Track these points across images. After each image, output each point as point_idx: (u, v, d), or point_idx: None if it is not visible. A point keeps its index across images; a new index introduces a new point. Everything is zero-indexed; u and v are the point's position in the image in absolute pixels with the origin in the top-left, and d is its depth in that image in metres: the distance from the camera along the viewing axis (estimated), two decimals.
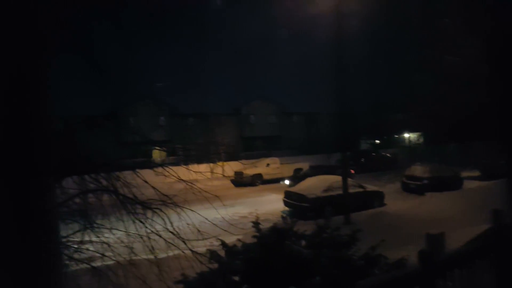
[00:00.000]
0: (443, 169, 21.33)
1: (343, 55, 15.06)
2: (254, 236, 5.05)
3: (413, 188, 20.74)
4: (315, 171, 23.68)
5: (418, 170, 21.43)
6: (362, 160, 32.62)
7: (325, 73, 30.62)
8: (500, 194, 7.42)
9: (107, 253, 4.70)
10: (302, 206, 15.87)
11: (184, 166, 5.39)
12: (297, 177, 23.58)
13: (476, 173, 24.81)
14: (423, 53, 10.10)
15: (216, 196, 5.44)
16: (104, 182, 4.74)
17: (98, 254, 4.67)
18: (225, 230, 5.40)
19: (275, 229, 4.89)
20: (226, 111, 42.62)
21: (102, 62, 5.08)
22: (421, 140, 39.38)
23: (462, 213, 13.40)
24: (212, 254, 5.03)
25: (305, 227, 5.82)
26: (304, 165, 29.34)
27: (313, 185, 17.15)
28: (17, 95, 2.31)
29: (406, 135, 44.21)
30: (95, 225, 4.52)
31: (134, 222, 4.54)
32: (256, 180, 26.89)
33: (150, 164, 5.76)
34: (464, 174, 22.44)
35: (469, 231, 6.16)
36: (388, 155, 35.21)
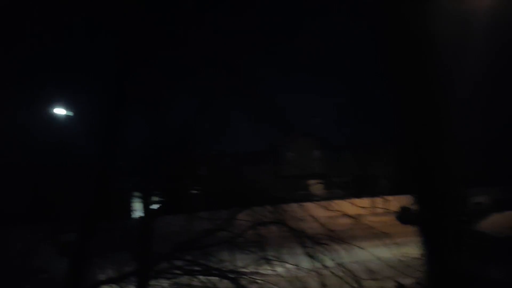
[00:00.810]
0: None
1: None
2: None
3: None
4: (501, 205, 20.46)
5: None
6: None
7: None
8: None
9: (280, 285, 4.82)
10: (488, 247, 13.83)
11: (348, 200, 5.31)
12: (476, 213, 20.83)
13: None
14: None
15: (384, 233, 5.18)
16: (272, 215, 4.96)
17: (271, 285, 4.82)
18: (399, 271, 5.04)
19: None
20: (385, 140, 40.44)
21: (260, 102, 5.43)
22: None
23: None
24: None
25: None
26: (483, 198, 25.79)
27: (502, 222, 14.81)
28: None
29: None
30: (268, 256, 4.72)
31: (304, 255, 4.60)
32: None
33: (313, 198, 5.85)
34: None
35: None
36: None
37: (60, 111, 6.80)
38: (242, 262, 4.70)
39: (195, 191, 6.97)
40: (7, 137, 4.48)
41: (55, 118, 6.31)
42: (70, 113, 6.83)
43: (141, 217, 5.51)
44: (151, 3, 4.47)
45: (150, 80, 4.71)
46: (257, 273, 4.69)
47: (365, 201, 5.79)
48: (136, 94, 4.62)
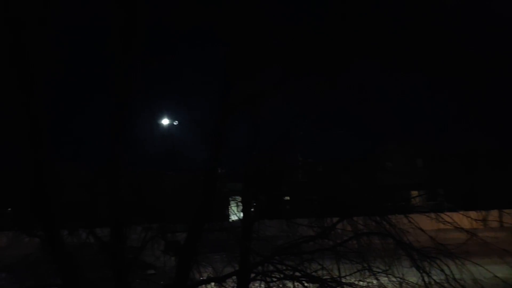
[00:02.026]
0: None
1: None
2: None
3: None
4: None
5: None
6: None
7: None
8: None
9: None
10: None
11: (463, 213, 4.90)
12: None
13: None
14: None
15: (503, 249, 4.69)
16: (375, 225, 4.77)
17: None
18: None
19: None
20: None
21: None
22: None
23: None
24: None
25: None
26: None
27: None
28: None
29: None
30: (372, 267, 4.55)
31: (411, 268, 4.35)
32: None
33: (419, 209, 5.52)
34: None
35: None
36: None
37: (166, 121, 7.33)
38: (343, 271, 4.58)
39: (293, 197, 7.00)
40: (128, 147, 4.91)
41: (163, 127, 6.81)
42: (175, 122, 7.32)
43: (241, 220, 5.68)
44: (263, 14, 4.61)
45: (254, 87, 4.84)
46: (359, 283, 4.55)
47: (476, 214, 5.35)
48: (241, 101, 4.78)
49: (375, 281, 4.56)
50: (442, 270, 4.34)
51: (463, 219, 5.05)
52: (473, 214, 6.55)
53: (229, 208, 6.41)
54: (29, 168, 4.15)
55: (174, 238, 5.45)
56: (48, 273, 4.62)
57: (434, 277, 4.35)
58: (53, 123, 4.80)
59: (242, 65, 4.54)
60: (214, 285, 4.94)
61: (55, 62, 4.62)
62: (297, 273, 4.58)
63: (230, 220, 6.43)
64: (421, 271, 4.34)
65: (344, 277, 4.54)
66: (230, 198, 6.41)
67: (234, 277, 4.96)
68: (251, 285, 4.97)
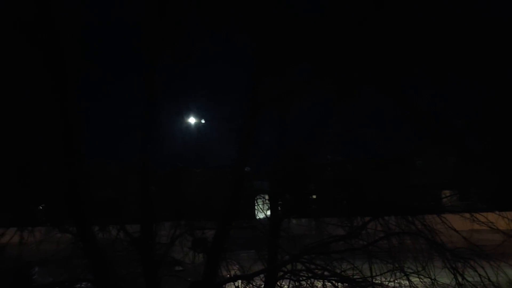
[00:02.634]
0: None
1: None
2: None
3: None
4: None
5: None
6: None
7: None
8: None
9: None
10: None
11: (498, 213, 4.73)
12: None
13: None
14: None
15: None
16: (406, 225, 4.68)
17: None
18: None
19: None
20: None
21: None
22: None
23: None
24: None
25: None
26: None
27: None
28: None
29: None
30: (403, 267, 4.45)
31: (443, 270, 4.24)
32: None
33: (451, 209, 5.36)
34: None
35: None
36: None
37: (193, 119, 7.38)
38: (374, 272, 4.49)
39: (321, 196, 6.93)
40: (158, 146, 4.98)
41: (190, 125, 6.85)
42: (203, 121, 7.36)
43: (268, 218, 5.66)
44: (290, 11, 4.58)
45: (283, 84, 4.81)
46: (390, 284, 4.46)
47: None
48: (270, 98, 4.76)
49: (406, 282, 4.46)
50: (477, 271, 4.20)
51: (499, 220, 4.87)
52: (509, 214, 6.33)
53: (256, 206, 6.41)
54: (62, 166, 4.26)
55: (202, 235, 5.49)
56: (80, 268, 4.73)
57: (469, 279, 4.21)
58: (84, 120, 4.91)
59: (271, 61, 4.52)
60: (242, 282, 4.94)
61: (87, 60, 4.73)
62: (326, 273, 4.52)
63: (257, 218, 6.43)
64: (454, 272, 4.21)
65: (375, 277, 4.45)
66: (257, 197, 6.41)
67: (262, 275, 4.95)
68: (278, 283, 4.95)
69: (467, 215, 4.82)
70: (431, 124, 6.05)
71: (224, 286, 5.13)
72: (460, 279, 4.21)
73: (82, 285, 4.97)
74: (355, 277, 4.43)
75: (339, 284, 4.50)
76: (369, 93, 5.20)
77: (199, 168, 6.48)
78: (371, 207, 4.99)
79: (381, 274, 4.48)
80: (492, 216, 4.81)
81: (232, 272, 5.27)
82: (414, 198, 6.19)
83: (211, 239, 4.87)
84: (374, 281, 4.42)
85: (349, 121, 5.78)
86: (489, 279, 4.16)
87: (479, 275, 4.18)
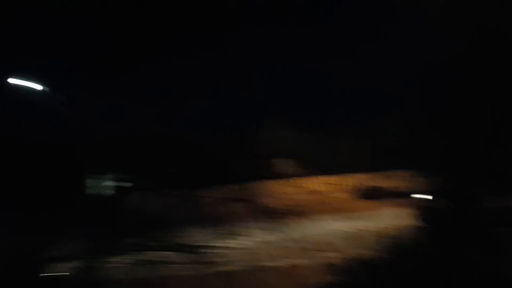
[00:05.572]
0: None
1: None
2: None
3: None
4: None
5: None
6: None
7: None
8: None
9: (233, 258, 4.86)
10: None
11: (314, 178, 5.41)
12: None
13: None
14: None
15: (344, 207, 5.33)
16: (236, 192, 5.03)
17: (226, 259, 4.84)
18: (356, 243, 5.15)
19: None
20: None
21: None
22: None
23: None
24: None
25: None
26: None
27: None
28: None
29: None
30: (224, 231, 4.81)
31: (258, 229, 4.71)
32: (384, 194, 25.05)
33: (279, 176, 5.87)
34: None
35: None
36: None
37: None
38: (203, 237, 4.75)
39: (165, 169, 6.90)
40: None
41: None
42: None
43: (106, 195, 5.48)
44: None
45: None
46: (212, 246, 4.75)
47: (332, 179, 5.88)
48: None
49: (226, 244, 4.81)
50: (287, 229, 4.76)
51: (317, 184, 5.55)
52: (326, 179, 7.20)
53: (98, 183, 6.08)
54: None
55: None
56: None
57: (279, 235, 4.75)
58: None
59: None
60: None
61: None
62: (156, 243, 4.65)
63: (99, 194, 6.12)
64: (266, 231, 4.72)
65: (200, 242, 4.72)
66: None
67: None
68: (116, 259, 4.83)
69: (291, 181, 5.39)
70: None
71: None
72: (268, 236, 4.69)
73: None
74: (181, 244, 4.62)
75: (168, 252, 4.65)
76: None
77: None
78: (206, 175, 5.15)
79: (207, 239, 4.77)
80: (311, 181, 5.48)
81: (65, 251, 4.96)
82: (251, 167, 6.62)
83: None
84: (198, 245, 4.69)
85: None
86: (296, 235, 4.77)
87: (287, 231, 4.74)
